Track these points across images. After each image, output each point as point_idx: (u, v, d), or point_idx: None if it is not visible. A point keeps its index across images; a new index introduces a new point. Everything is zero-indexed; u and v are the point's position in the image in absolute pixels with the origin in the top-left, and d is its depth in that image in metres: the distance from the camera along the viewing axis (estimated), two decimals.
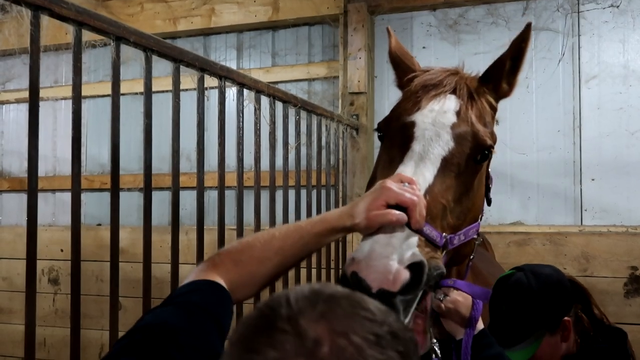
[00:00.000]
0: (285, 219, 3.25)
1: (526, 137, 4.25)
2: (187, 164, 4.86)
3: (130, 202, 4.89)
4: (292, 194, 3.29)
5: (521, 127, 4.25)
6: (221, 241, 2.63)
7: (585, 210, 4.12)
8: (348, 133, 4.29)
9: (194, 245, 2.49)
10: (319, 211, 3.59)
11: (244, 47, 5.08)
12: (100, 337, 4.91)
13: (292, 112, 3.29)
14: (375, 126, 1.87)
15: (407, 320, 1.40)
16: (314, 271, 3.47)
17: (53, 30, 1.90)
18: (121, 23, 2.06)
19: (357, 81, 4.43)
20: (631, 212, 4.02)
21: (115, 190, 2.08)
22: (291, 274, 3.02)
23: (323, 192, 3.74)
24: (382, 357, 0.77)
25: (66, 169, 5.20)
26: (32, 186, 1.77)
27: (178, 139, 2.35)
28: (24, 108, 5.51)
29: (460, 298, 1.74)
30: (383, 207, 1.43)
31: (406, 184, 1.50)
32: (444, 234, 1.56)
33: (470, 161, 1.68)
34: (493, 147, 1.75)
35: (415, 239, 1.44)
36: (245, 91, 2.81)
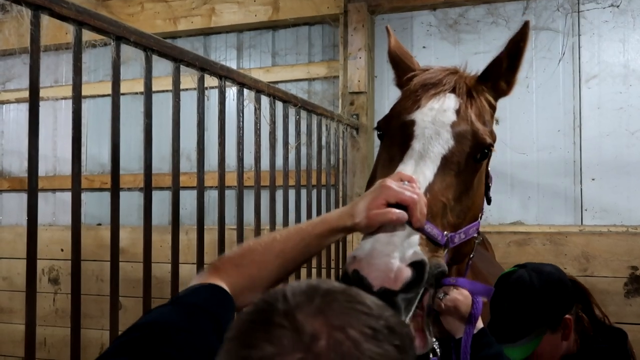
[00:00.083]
0: (286, 219, 3.25)
1: (526, 137, 4.25)
2: (187, 164, 4.86)
3: (131, 202, 4.89)
4: (292, 193, 3.29)
5: (521, 127, 4.25)
6: (221, 241, 2.63)
7: (586, 210, 4.12)
8: (348, 133, 4.29)
9: (194, 245, 2.49)
10: (319, 211, 3.59)
11: (244, 47, 5.08)
12: (101, 336, 4.91)
13: (292, 111, 3.29)
14: (375, 125, 1.87)
15: (407, 319, 1.40)
16: (314, 271, 3.47)
17: (53, 30, 1.90)
18: (121, 23, 2.06)
19: (357, 81, 4.43)
20: (631, 211, 4.02)
21: (115, 189, 2.08)
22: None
23: (323, 191, 3.74)
24: (378, 350, 0.78)
25: (66, 168, 5.21)
26: (32, 186, 1.77)
27: (178, 139, 2.35)
28: (24, 108, 5.51)
29: (460, 297, 1.74)
30: (383, 206, 1.43)
31: (406, 182, 1.50)
32: (445, 232, 1.56)
33: (470, 160, 1.68)
34: (492, 146, 1.75)
35: (416, 238, 1.45)
36: (246, 91, 2.81)
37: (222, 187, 2.62)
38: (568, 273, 2.38)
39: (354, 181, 4.33)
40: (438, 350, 1.68)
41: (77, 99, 1.90)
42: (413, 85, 1.81)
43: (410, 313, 1.41)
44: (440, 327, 1.79)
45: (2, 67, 5.74)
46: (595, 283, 3.81)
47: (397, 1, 4.48)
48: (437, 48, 4.48)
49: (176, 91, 2.33)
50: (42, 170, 5.01)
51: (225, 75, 2.59)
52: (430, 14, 4.53)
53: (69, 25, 1.88)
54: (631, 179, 4.03)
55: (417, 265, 1.39)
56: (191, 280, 1.39)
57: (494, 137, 1.77)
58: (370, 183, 1.75)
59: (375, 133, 1.90)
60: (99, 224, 5.29)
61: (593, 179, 4.11)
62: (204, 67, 2.46)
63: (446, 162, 1.63)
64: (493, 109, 1.86)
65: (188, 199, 4.59)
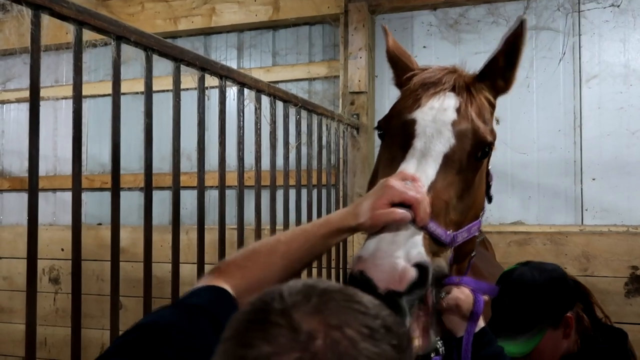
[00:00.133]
0: (286, 219, 3.25)
1: (527, 137, 4.25)
2: (188, 164, 4.86)
3: (131, 202, 4.89)
4: (292, 193, 3.29)
5: (522, 127, 4.25)
6: (222, 241, 2.63)
7: (586, 209, 4.12)
8: (349, 132, 4.29)
9: (194, 244, 2.49)
10: (319, 211, 3.59)
11: (244, 47, 5.08)
12: (101, 336, 4.91)
13: (292, 111, 3.29)
14: (376, 124, 1.87)
15: (409, 320, 1.40)
16: (314, 271, 3.47)
17: (54, 30, 1.90)
18: (122, 22, 2.06)
19: (358, 80, 4.43)
20: (632, 211, 4.02)
21: (115, 189, 2.08)
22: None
23: (324, 191, 3.74)
24: (376, 350, 0.77)
25: (67, 168, 5.21)
26: (32, 185, 1.77)
27: (179, 139, 2.35)
28: (25, 107, 5.51)
29: (461, 295, 1.74)
30: (387, 205, 1.43)
31: (409, 181, 1.50)
32: (449, 231, 1.56)
33: (471, 158, 1.69)
34: (493, 144, 1.76)
35: (420, 237, 1.45)
36: (246, 91, 2.81)
37: (222, 187, 2.62)
38: (568, 273, 2.39)
39: (355, 181, 4.33)
40: (441, 349, 1.68)
41: (78, 98, 1.90)
42: (413, 85, 1.81)
43: (412, 314, 1.41)
44: (442, 326, 1.79)
45: (3, 67, 5.74)
46: (595, 283, 3.81)
47: (398, 1, 4.48)
48: (437, 48, 4.48)
49: (176, 91, 2.33)
50: (42, 170, 5.03)
51: (225, 75, 2.59)
52: (431, 14, 4.53)
53: (70, 24, 1.88)
54: (631, 179, 4.03)
55: (420, 267, 1.39)
56: (195, 284, 1.39)
57: (494, 136, 1.77)
58: (371, 183, 1.75)
59: (376, 133, 1.90)
60: (100, 224, 5.29)
61: (593, 179, 4.11)
62: (205, 66, 2.46)
63: (448, 160, 1.64)
64: (493, 107, 1.86)
65: (188, 199, 4.59)
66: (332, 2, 4.59)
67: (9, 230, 5.60)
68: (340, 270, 3.80)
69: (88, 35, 1.95)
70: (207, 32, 5.12)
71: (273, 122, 3.05)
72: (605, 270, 3.92)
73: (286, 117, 3.22)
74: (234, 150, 2.74)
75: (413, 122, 1.70)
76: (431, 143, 1.65)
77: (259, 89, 2.86)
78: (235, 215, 2.77)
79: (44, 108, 5.23)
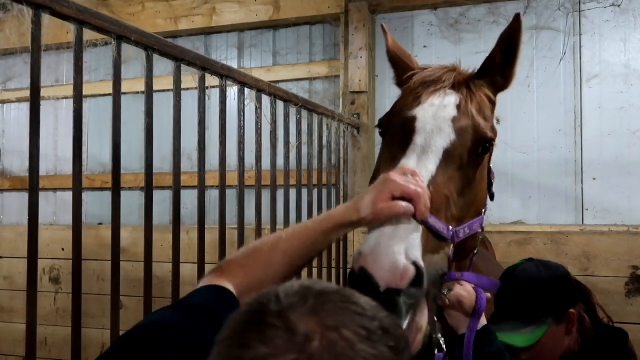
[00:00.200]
0: (287, 218, 3.25)
1: (527, 137, 4.24)
2: (188, 163, 4.85)
3: (132, 201, 4.89)
4: (293, 193, 3.30)
5: (522, 127, 4.25)
6: (222, 240, 2.63)
7: (587, 209, 4.12)
8: (349, 132, 4.29)
9: (195, 244, 2.49)
10: (320, 210, 3.58)
11: (245, 47, 5.08)
12: (102, 336, 4.91)
13: (293, 111, 3.29)
14: (377, 123, 1.87)
15: (407, 321, 1.40)
16: (315, 270, 3.47)
17: (54, 29, 1.90)
18: (122, 22, 2.05)
19: (358, 80, 4.43)
20: (632, 211, 4.02)
21: (116, 189, 2.08)
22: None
23: (324, 191, 3.74)
24: (373, 351, 0.77)
25: (67, 168, 5.21)
26: (33, 185, 1.77)
27: (179, 138, 2.35)
28: (25, 107, 5.51)
29: (464, 293, 1.74)
30: (388, 199, 1.43)
31: (409, 176, 1.50)
32: (450, 227, 1.57)
33: (472, 154, 1.69)
34: (494, 140, 1.76)
35: (420, 234, 1.45)
36: (247, 90, 2.81)
37: (223, 187, 2.62)
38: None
39: (355, 180, 4.33)
40: (444, 345, 1.68)
41: (78, 98, 1.90)
42: (413, 83, 1.83)
43: (410, 315, 1.41)
44: (444, 323, 1.79)
45: (3, 67, 5.74)
46: (596, 283, 3.81)
47: (398, 1, 4.48)
48: (438, 47, 4.48)
49: (177, 90, 2.33)
50: (43, 170, 5.02)
51: (226, 74, 2.59)
52: (431, 14, 4.53)
53: (70, 24, 1.88)
54: (632, 179, 4.03)
55: (416, 267, 1.39)
56: (195, 284, 1.39)
57: (495, 132, 1.78)
58: (373, 181, 1.76)
59: (377, 131, 1.91)
60: (100, 224, 5.29)
61: (594, 179, 4.11)
62: (205, 66, 2.46)
63: (448, 155, 1.64)
64: (493, 104, 1.87)
65: (189, 199, 4.59)
66: (333, 2, 4.59)
67: (10, 230, 5.60)
68: (341, 270, 3.79)
69: (89, 34, 1.95)
70: (208, 32, 5.12)
71: (274, 122, 3.05)
72: (605, 270, 3.92)
73: (287, 116, 3.22)
74: (234, 150, 2.74)
75: (413, 119, 1.71)
76: (432, 139, 1.65)
77: (260, 88, 2.86)
78: (235, 215, 2.77)
79: (45, 108, 5.23)
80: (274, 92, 2.99)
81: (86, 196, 5.29)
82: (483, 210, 1.82)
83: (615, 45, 4.12)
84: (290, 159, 3.27)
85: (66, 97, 5.40)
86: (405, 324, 1.38)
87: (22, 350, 1.84)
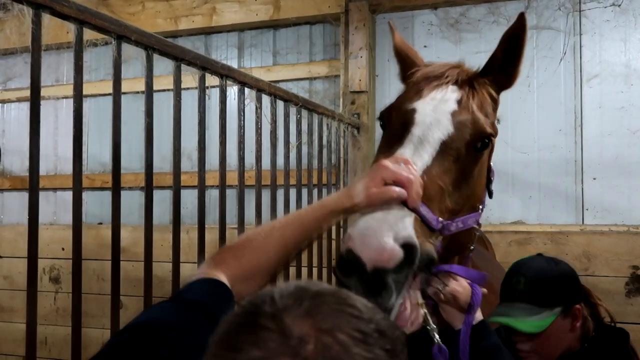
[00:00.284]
0: None
1: (527, 136, 4.24)
2: (188, 163, 4.85)
3: (132, 201, 4.89)
4: (293, 192, 3.29)
5: (522, 126, 4.25)
6: (222, 240, 2.63)
7: (587, 209, 4.12)
8: (349, 132, 4.29)
9: (195, 244, 2.49)
10: None
11: (245, 46, 5.08)
12: (102, 335, 4.90)
13: (293, 110, 3.29)
14: (378, 115, 1.88)
15: (399, 302, 1.40)
16: (315, 270, 3.47)
17: (54, 29, 1.90)
18: (122, 22, 2.05)
19: (358, 80, 4.43)
20: (632, 211, 4.02)
21: (116, 189, 2.08)
22: (292, 272, 3.03)
23: (324, 190, 3.74)
24: (368, 355, 0.76)
25: (67, 167, 5.20)
26: (33, 185, 1.77)
27: (179, 138, 2.35)
28: (26, 107, 5.51)
29: (459, 288, 1.75)
30: (381, 185, 1.44)
31: (402, 164, 1.51)
32: (441, 218, 1.56)
33: (470, 148, 1.70)
34: (494, 136, 1.77)
35: (411, 219, 1.45)
36: (247, 90, 2.80)
37: (223, 186, 2.62)
38: None
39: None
40: (437, 338, 1.67)
41: (78, 97, 1.90)
42: (416, 78, 1.85)
43: (401, 295, 1.41)
44: (440, 318, 1.80)
45: (4, 66, 5.74)
46: (596, 282, 3.81)
47: (398, 0, 4.48)
48: (438, 47, 4.48)
49: (177, 90, 2.33)
50: (43, 169, 5.02)
51: (226, 74, 2.59)
52: (432, 13, 4.53)
53: (70, 24, 1.88)
54: (632, 179, 4.03)
55: (407, 247, 1.39)
56: (192, 275, 1.39)
57: (495, 129, 1.79)
58: None
59: (378, 128, 1.92)
60: (100, 223, 5.29)
61: (594, 179, 4.11)
62: (205, 66, 2.45)
63: (445, 147, 1.65)
64: (495, 102, 1.88)
65: (189, 198, 4.59)
66: (333, 2, 4.59)
67: (10, 229, 5.60)
68: None
69: (89, 34, 1.95)
70: (208, 32, 5.12)
71: (274, 122, 3.04)
72: (605, 270, 3.92)
73: (287, 116, 3.22)
74: (234, 150, 2.74)
75: (413, 111, 1.73)
76: (430, 130, 1.66)
77: (260, 88, 2.86)
78: (235, 215, 2.77)
79: (45, 107, 5.22)
80: (274, 91, 2.99)
81: (86, 196, 5.29)
82: (480, 206, 1.81)
83: (616, 45, 4.12)
84: (290, 159, 3.27)
85: (66, 97, 5.40)
86: (395, 304, 1.38)
87: (22, 349, 1.84)
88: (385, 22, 4.54)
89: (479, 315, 1.80)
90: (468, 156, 1.69)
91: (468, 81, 1.80)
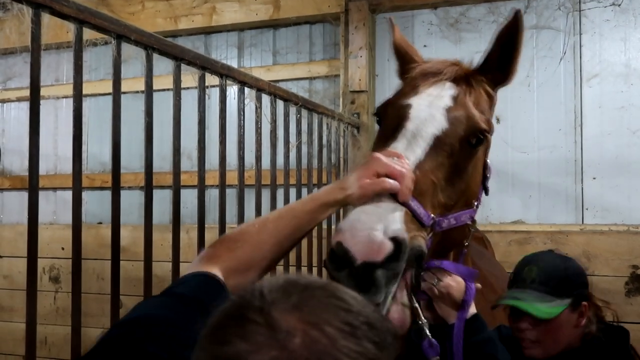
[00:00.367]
0: None
1: (527, 136, 4.25)
2: (188, 163, 4.85)
3: (131, 201, 4.89)
4: (293, 192, 3.30)
5: (522, 126, 4.25)
6: None
7: (587, 209, 4.12)
8: (349, 131, 4.29)
9: (195, 243, 2.49)
10: None
11: (245, 46, 5.08)
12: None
13: (293, 110, 3.29)
14: (375, 110, 1.89)
15: (389, 298, 1.40)
16: (315, 270, 3.47)
17: (54, 29, 1.90)
18: (122, 21, 2.05)
19: (358, 79, 4.43)
20: (632, 211, 4.02)
21: (116, 188, 2.08)
22: (291, 271, 3.03)
23: None
24: (356, 348, 0.76)
25: (67, 167, 5.18)
26: (33, 184, 1.77)
27: (179, 138, 2.35)
28: (25, 106, 5.51)
29: (453, 283, 1.75)
30: (373, 177, 1.45)
31: (394, 158, 1.51)
32: (432, 215, 1.56)
33: (464, 144, 1.70)
34: (489, 132, 1.77)
35: (401, 213, 1.45)
36: (247, 89, 2.80)
37: (222, 186, 2.62)
38: None
39: None
40: (427, 333, 1.67)
41: (78, 97, 1.90)
42: (413, 74, 1.85)
43: (391, 291, 1.41)
44: (434, 313, 1.80)
45: (3, 66, 5.74)
46: (596, 282, 3.81)
47: (398, 0, 4.48)
48: (438, 47, 4.48)
49: (177, 90, 2.33)
50: (42, 169, 5.02)
51: (226, 74, 2.59)
52: (431, 13, 4.53)
53: (70, 23, 1.88)
54: (632, 178, 4.03)
55: (396, 241, 1.39)
56: (186, 269, 1.39)
57: (490, 126, 1.79)
58: None
59: (375, 122, 1.92)
60: (100, 223, 5.29)
61: (594, 178, 4.11)
62: (205, 65, 2.45)
63: (439, 143, 1.65)
64: (492, 99, 1.89)
65: (189, 198, 4.59)
66: (333, 1, 4.59)
67: (10, 229, 5.60)
68: None
69: (88, 34, 1.95)
70: (208, 31, 5.12)
71: (273, 121, 3.04)
72: (605, 269, 3.92)
73: (287, 116, 3.22)
74: (234, 149, 2.74)
75: (408, 107, 1.73)
76: (423, 126, 1.66)
77: (260, 87, 2.86)
78: (235, 214, 2.77)
79: (45, 107, 5.22)
80: (274, 91, 2.99)
81: (86, 195, 5.29)
82: (475, 203, 1.81)
83: (616, 45, 4.12)
84: (290, 158, 3.27)
85: (66, 96, 5.40)
86: (385, 299, 1.38)
87: (22, 349, 1.84)
88: (385, 22, 4.54)
89: (472, 310, 1.80)
90: (462, 152, 1.69)
91: (465, 78, 1.81)
